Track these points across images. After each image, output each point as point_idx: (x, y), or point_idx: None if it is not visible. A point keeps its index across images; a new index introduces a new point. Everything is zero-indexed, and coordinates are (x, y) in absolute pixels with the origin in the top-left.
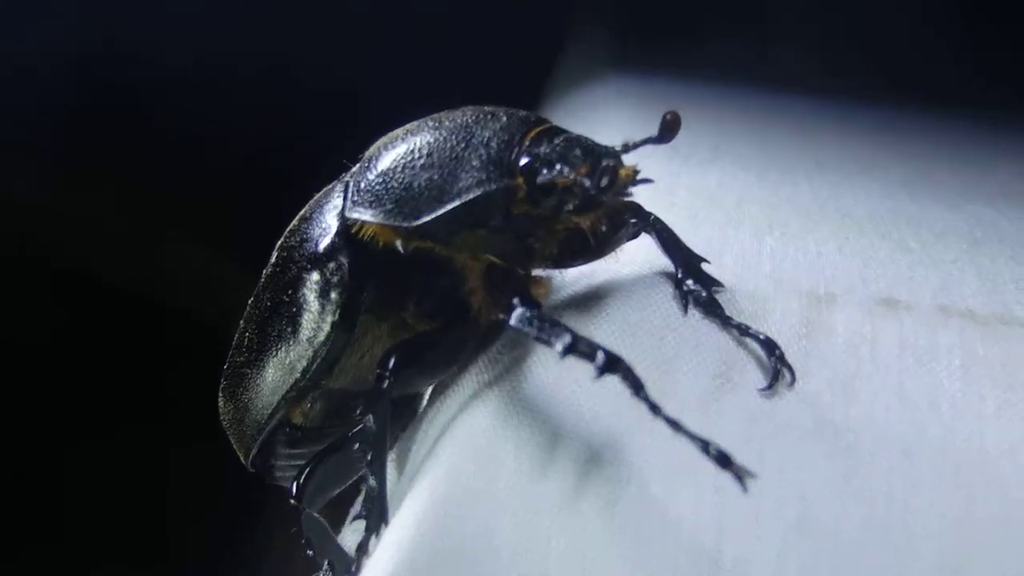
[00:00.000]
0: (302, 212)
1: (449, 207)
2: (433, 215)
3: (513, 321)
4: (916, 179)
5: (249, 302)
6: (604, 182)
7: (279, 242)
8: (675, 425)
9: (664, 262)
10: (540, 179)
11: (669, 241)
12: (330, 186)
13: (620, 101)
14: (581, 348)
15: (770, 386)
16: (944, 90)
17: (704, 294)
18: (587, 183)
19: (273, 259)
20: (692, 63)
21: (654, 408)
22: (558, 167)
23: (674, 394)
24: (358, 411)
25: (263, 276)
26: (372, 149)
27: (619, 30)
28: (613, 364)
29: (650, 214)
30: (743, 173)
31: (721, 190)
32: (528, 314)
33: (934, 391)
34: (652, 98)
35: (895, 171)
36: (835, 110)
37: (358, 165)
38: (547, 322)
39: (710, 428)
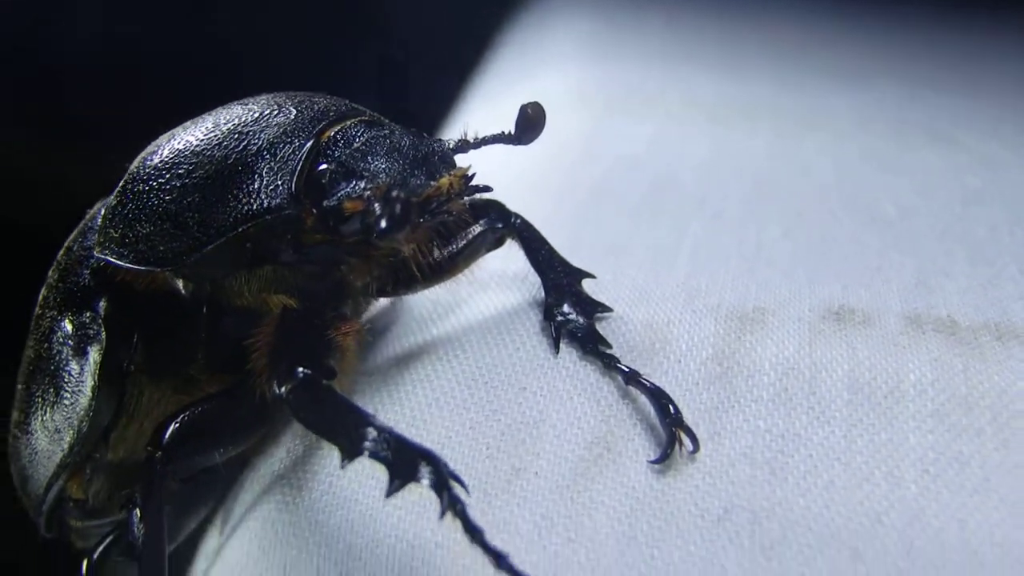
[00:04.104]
0: (66, 242)
1: (214, 244)
2: (195, 255)
3: (283, 400)
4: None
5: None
6: (411, 199)
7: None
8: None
9: (535, 279)
10: (327, 202)
11: (538, 252)
12: (96, 208)
13: None
14: (374, 450)
15: (662, 458)
16: None
17: (581, 324)
18: (385, 206)
19: (39, 299)
20: None
21: (473, 533)
22: (350, 185)
23: (534, 469)
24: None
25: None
26: (135, 163)
27: None
28: (419, 472)
29: (514, 216)
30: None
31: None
32: (304, 393)
33: (896, 457)
34: None
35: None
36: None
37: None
38: (329, 404)
39: (581, 517)
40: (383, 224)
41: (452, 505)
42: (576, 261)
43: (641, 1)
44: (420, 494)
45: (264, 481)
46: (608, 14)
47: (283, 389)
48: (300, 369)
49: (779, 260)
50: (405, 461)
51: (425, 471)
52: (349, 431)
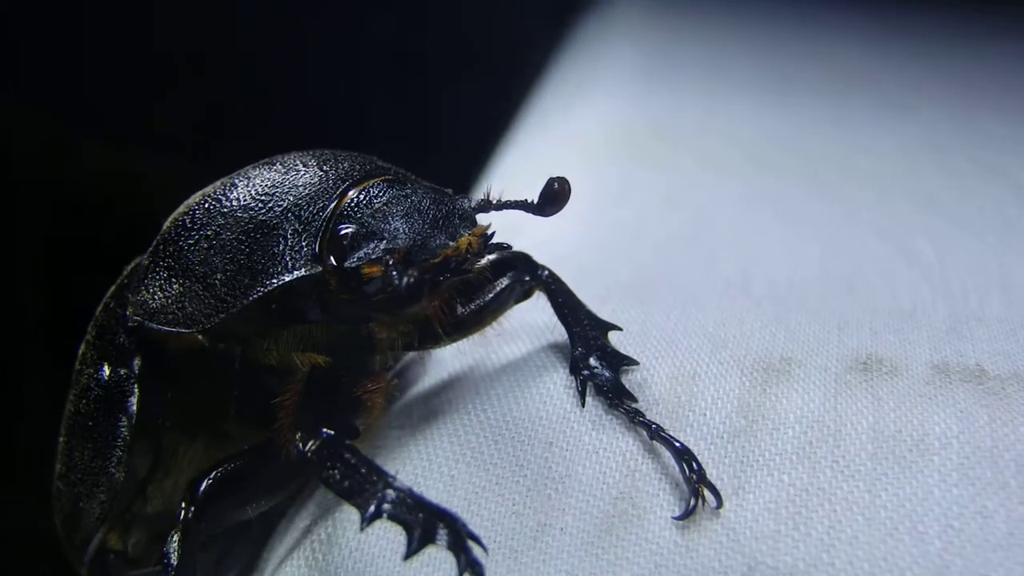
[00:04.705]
0: (104, 298)
1: (240, 306)
2: (222, 316)
3: (305, 460)
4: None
5: None
6: (428, 262)
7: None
8: None
9: (563, 331)
10: (348, 265)
11: (565, 304)
12: (132, 265)
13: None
14: (393, 512)
15: (685, 514)
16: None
17: (607, 378)
18: (402, 271)
19: (79, 354)
20: None
21: None
22: (370, 247)
23: (560, 525)
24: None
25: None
26: (166, 223)
27: None
28: (437, 534)
29: (541, 268)
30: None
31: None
32: (325, 453)
33: (920, 511)
34: None
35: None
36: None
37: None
38: (350, 465)
39: (606, 575)
40: (401, 288)
41: (471, 567)
42: (606, 309)
43: (685, 32)
44: (440, 556)
45: (296, 534)
46: (652, 46)
47: (306, 449)
48: (323, 429)
49: (810, 303)
50: (423, 523)
51: (443, 533)
52: (368, 493)
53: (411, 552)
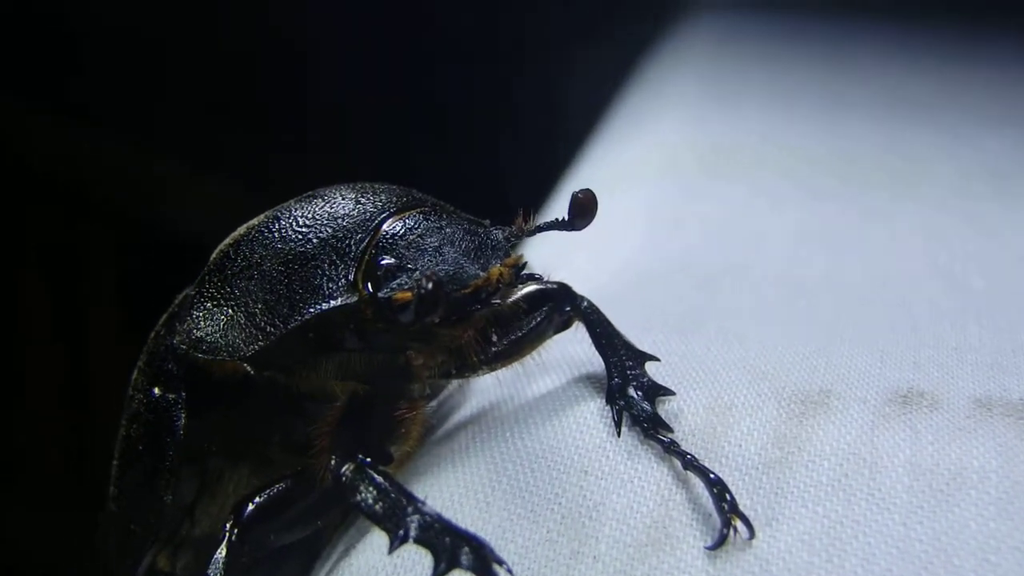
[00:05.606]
0: (156, 327)
1: (278, 334)
2: (262, 345)
3: (340, 487)
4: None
5: None
6: (459, 293)
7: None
8: None
9: (601, 363)
10: (381, 295)
11: (603, 334)
12: (182, 295)
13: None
14: (420, 536)
15: (717, 544)
16: None
17: (643, 408)
18: (433, 301)
19: (132, 380)
20: None
21: None
22: (402, 278)
23: (593, 554)
24: None
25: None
26: (214, 254)
27: None
28: (462, 558)
29: (580, 298)
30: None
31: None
32: (358, 478)
33: (956, 545)
34: None
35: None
36: None
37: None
38: (382, 490)
39: None
40: (432, 318)
41: None
42: (646, 340)
43: (748, 54)
44: None
45: (335, 559)
46: (719, 67)
47: (340, 473)
48: (357, 454)
49: (853, 335)
50: (450, 547)
51: (470, 557)
52: (397, 517)
53: (436, 575)
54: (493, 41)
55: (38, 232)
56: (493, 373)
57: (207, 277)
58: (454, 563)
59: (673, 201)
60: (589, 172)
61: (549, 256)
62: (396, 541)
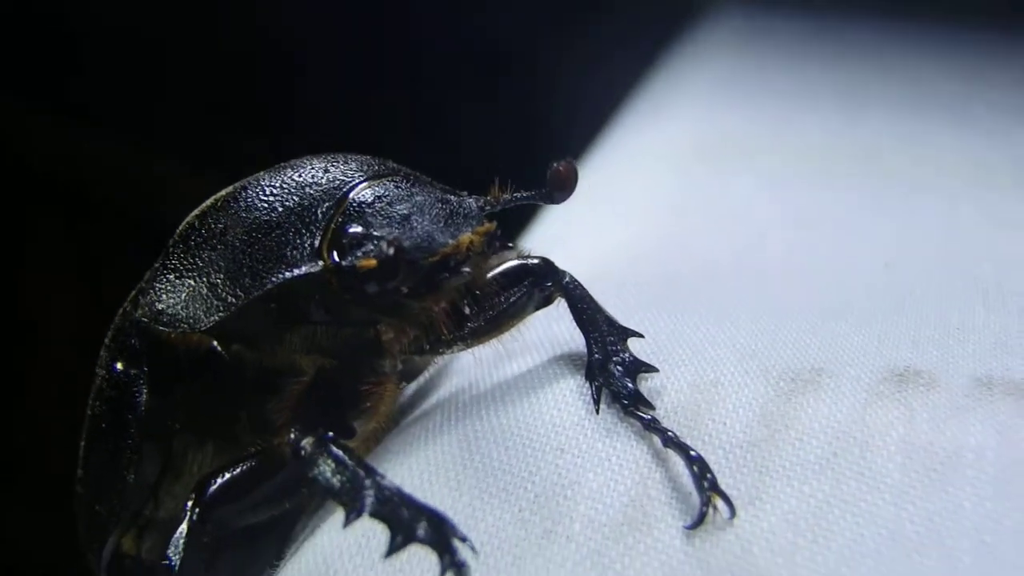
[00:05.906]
0: (123, 304)
1: (239, 304)
2: (223, 315)
3: (298, 461)
4: None
5: None
6: (426, 260)
7: None
8: None
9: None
10: (345, 263)
11: (584, 309)
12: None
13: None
14: (375, 508)
15: (696, 523)
16: None
17: (624, 385)
18: (399, 268)
19: (99, 360)
20: None
21: None
22: (367, 246)
23: (566, 533)
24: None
25: None
26: (180, 227)
27: None
28: (419, 531)
29: (562, 273)
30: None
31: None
32: (316, 452)
33: (950, 525)
34: None
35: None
36: None
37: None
38: (340, 464)
39: None
40: (396, 282)
41: (455, 567)
42: (636, 318)
43: (770, 47)
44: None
45: (301, 539)
46: (740, 60)
47: (298, 447)
48: (318, 428)
49: (852, 316)
50: (407, 521)
51: (427, 531)
52: (354, 491)
53: (392, 549)
54: (515, 34)
55: (38, 232)
56: (471, 351)
57: (171, 249)
58: (411, 537)
59: (679, 189)
60: (600, 160)
61: (549, 239)
62: (352, 515)
